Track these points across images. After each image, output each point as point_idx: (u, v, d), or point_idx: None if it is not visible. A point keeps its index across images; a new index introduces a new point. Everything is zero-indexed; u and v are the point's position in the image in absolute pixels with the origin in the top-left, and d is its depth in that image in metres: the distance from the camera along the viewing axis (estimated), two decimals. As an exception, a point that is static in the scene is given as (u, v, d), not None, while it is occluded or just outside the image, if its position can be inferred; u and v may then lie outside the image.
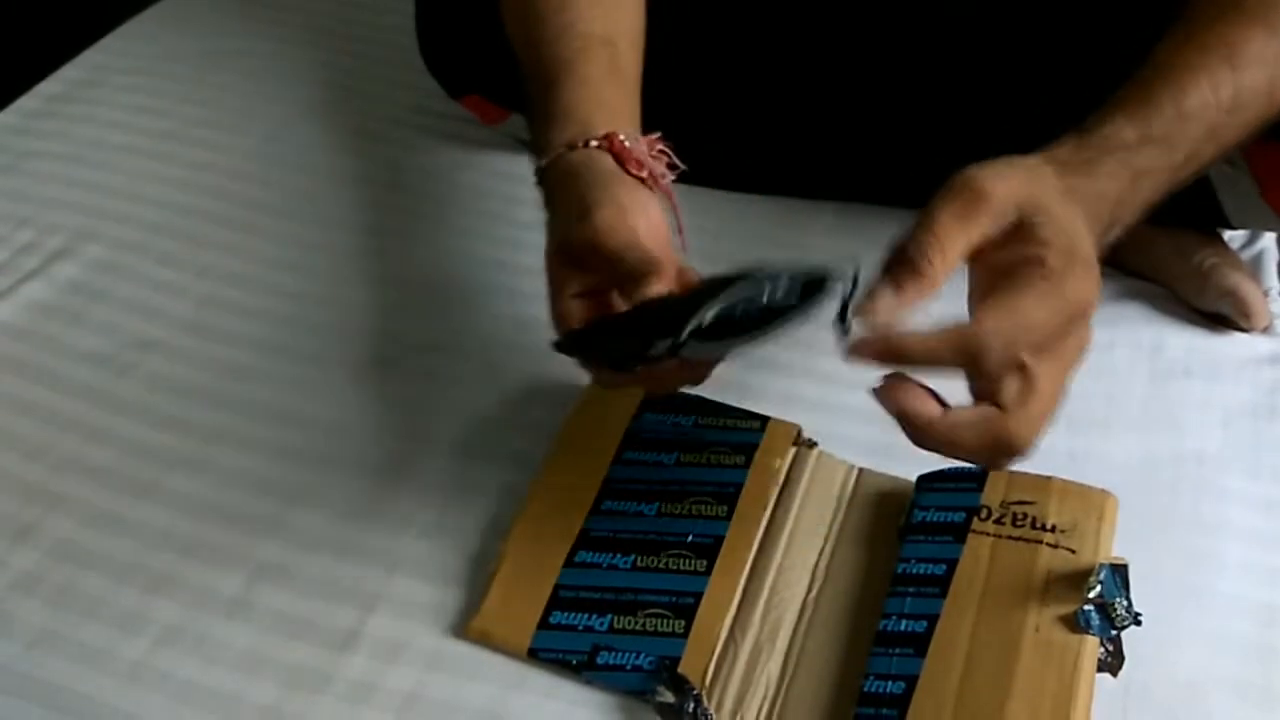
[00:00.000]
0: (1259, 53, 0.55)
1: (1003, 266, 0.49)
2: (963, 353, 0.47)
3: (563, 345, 0.58)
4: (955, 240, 0.48)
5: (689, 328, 0.49)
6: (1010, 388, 0.48)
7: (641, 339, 0.52)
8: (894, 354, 0.48)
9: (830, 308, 0.49)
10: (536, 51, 0.64)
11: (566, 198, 0.58)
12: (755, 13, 0.82)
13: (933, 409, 0.49)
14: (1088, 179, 0.52)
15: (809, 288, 0.50)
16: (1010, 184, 0.49)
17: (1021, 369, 0.48)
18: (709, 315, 0.49)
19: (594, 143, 0.59)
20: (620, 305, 0.58)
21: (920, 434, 0.49)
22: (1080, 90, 0.74)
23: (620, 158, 0.59)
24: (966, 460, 0.50)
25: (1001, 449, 0.49)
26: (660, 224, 0.57)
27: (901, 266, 0.48)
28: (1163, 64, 0.56)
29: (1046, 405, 0.49)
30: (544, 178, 0.60)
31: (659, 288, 0.54)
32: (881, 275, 0.49)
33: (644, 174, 0.59)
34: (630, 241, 0.55)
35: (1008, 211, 0.48)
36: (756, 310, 0.50)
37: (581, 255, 0.56)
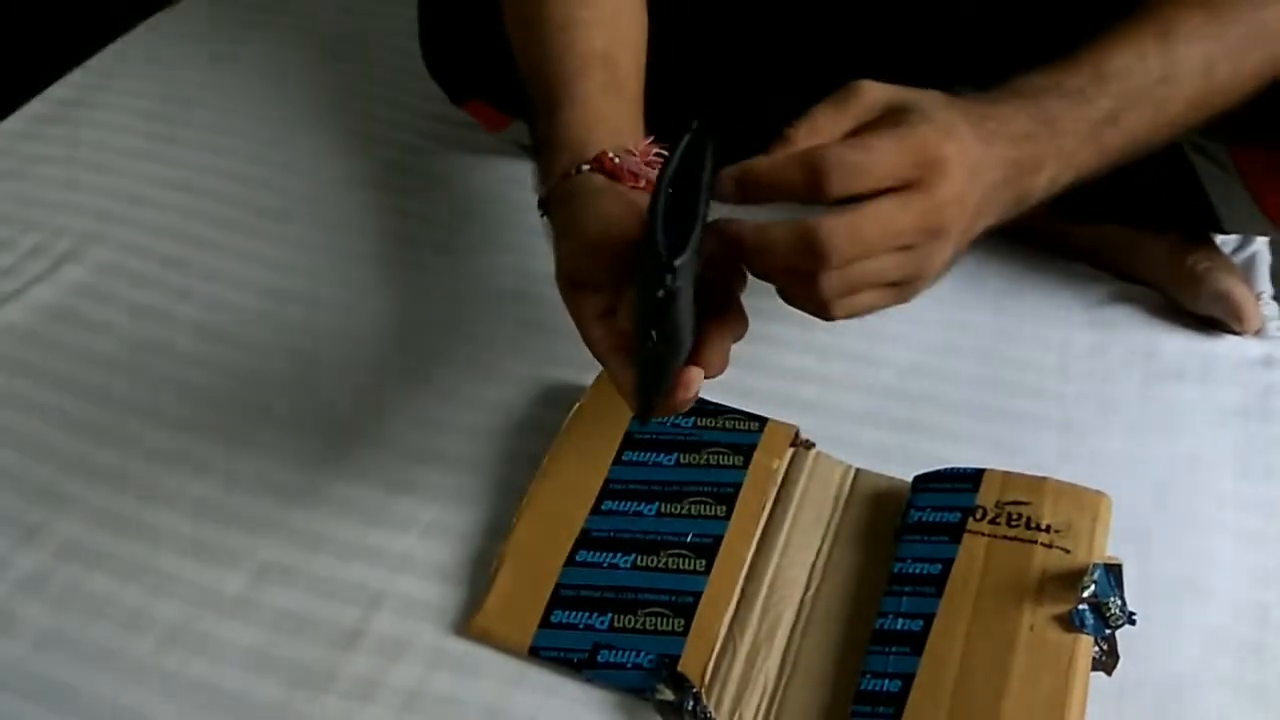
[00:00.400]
0: (1195, 30, 0.56)
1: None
2: (806, 170, 0.48)
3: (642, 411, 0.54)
4: (824, 119, 0.51)
5: (658, 240, 0.47)
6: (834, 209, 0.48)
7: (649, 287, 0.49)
8: (745, 178, 0.50)
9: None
10: (539, 75, 0.64)
11: (564, 224, 0.58)
12: (754, 14, 0.83)
13: (748, 225, 0.50)
14: (992, 109, 0.52)
15: (697, 145, 0.51)
16: (887, 89, 0.51)
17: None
18: (659, 217, 0.48)
19: (585, 167, 0.59)
20: None
21: (736, 247, 0.50)
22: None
23: (614, 175, 0.59)
24: (777, 281, 0.51)
25: (809, 253, 0.48)
26: None
27: (777, 145, 0.51)
28: (1101, 37, 0.56)
29: (869, 229, 0.48)
30: (546, 209, 0.60)
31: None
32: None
33: (640, 184, 0.60)
34: (617, 252, 0.55)
35: (878, 103, 0.51)
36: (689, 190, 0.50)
37: (582, 277, 0.56)
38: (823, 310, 0.51)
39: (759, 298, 0.62)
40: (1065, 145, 0.54)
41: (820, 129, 0.51)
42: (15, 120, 1.01)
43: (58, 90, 1.05)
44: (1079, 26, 0.73)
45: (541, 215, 0.61)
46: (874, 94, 0.51)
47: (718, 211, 0.50)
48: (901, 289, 0.51)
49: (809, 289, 0.50)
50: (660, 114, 0.64)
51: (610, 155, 0.59)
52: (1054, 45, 0.74)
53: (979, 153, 0.50)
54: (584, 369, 0.59)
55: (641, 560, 0.64)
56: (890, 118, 0.50)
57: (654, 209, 0.48)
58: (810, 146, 0.49)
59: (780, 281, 0.51)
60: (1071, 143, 0.54)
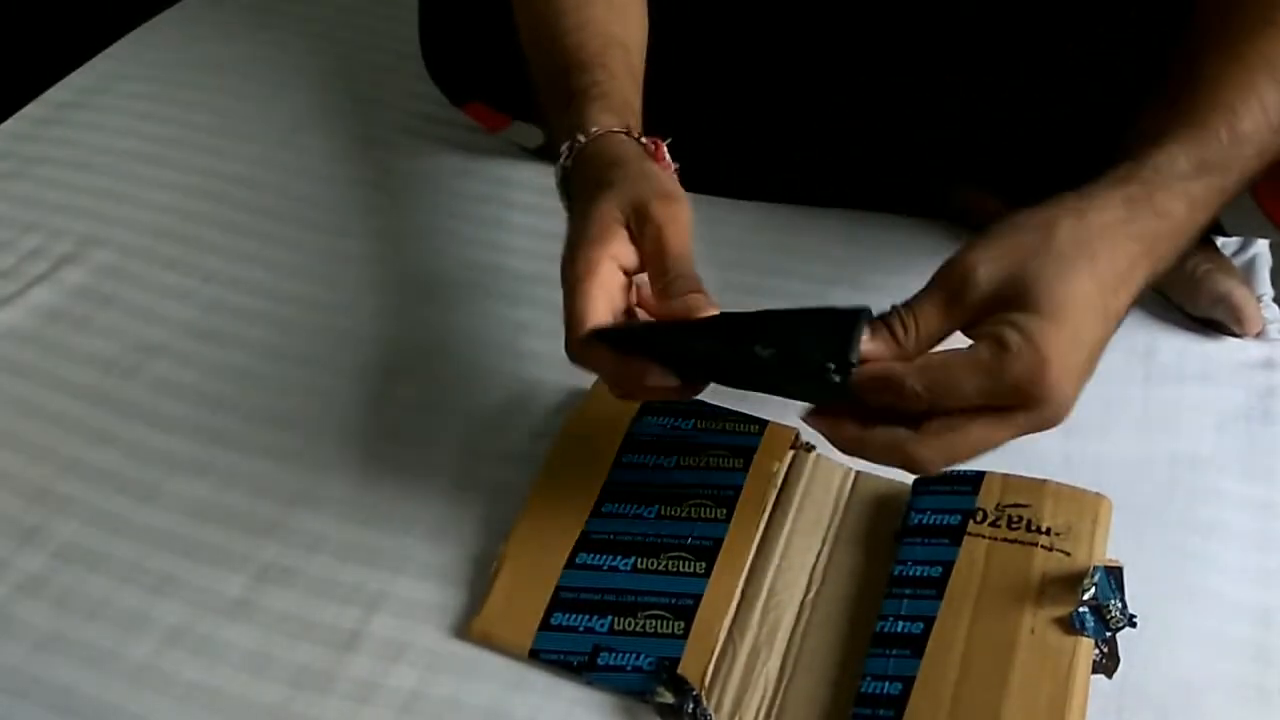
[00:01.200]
0: None
1: (974, 335, 0.50)
2: (882, 388, 0.49)
3: (607, 334, 0.55)
4: (934, 321, 0.50)
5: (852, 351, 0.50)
6: (936, 421, 0.50)
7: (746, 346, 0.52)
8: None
9: None
10: (559, 42, 0.64)
11: (636, 172, 0.56)
12: (755, 21, 0.83)
13: (847, 426, 0.52)
14: (1131, 220, 0.51)
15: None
16: (997, 262, 0.49)
17: (960, 412, 0.49)
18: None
19: (643, 140, 0.59)
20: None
21: (838, 441, 0.53)
22: (1088, 100, 0.75)
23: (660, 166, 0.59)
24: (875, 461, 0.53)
25: (905, 465, 0.51)
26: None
27: (883, 324, 0.51)
28: (1211, 85, 0.54)
29: (962, 448, 0.50)
30: (587, 149, 0.59)
31: (701, 303, 0.53)
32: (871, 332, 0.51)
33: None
34: (687, 247, 0.54)
35: (992, 291, 0.49)
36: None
37: (645, 229, 0.54)
38: (904, 465, 0.52)
39: (761, 297, 0.62)
40: (1202, 224, 0.53)
41: (928, 327, 0.51)
42: (15, 122, 1.01)
43: (58, 92, 1.05)
44: (1084, 29, 0.74)
45: (566, 157, 0.60)
46: (984, 282, 0.49)
47: None
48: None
49: (893, 442, 0.51)
50: (657, 119, 0.64)
51: (664, 147, 0.60)
52: (1057, 45, 0.75)
53: (1099, 328, 0.50)
54: (584, 372, 0.59)
55: (641, 563, 0.64)
56: (1004, 312, 0.49)
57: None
58: (890, 368, 0.49)
59: (869, 435, 0.52)
60: (1206, 220, 0.54)
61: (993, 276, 0.49)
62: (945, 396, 0.49)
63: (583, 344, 0.54)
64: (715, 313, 0.55)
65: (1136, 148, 0.54)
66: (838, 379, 0.50)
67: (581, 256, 0.55)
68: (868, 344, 0.50)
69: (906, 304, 0.51)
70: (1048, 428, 0.50)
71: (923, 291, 0.51)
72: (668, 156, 0.61)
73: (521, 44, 0.68)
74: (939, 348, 0.51)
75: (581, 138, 0.59)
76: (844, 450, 0.53)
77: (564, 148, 0.60)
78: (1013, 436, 0.50)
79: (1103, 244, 0.50)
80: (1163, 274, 0.53)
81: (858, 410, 0.52)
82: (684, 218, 0.56)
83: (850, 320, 0.51)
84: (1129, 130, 0.56)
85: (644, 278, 0.58)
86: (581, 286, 0.54)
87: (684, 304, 0.54)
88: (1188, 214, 0.52)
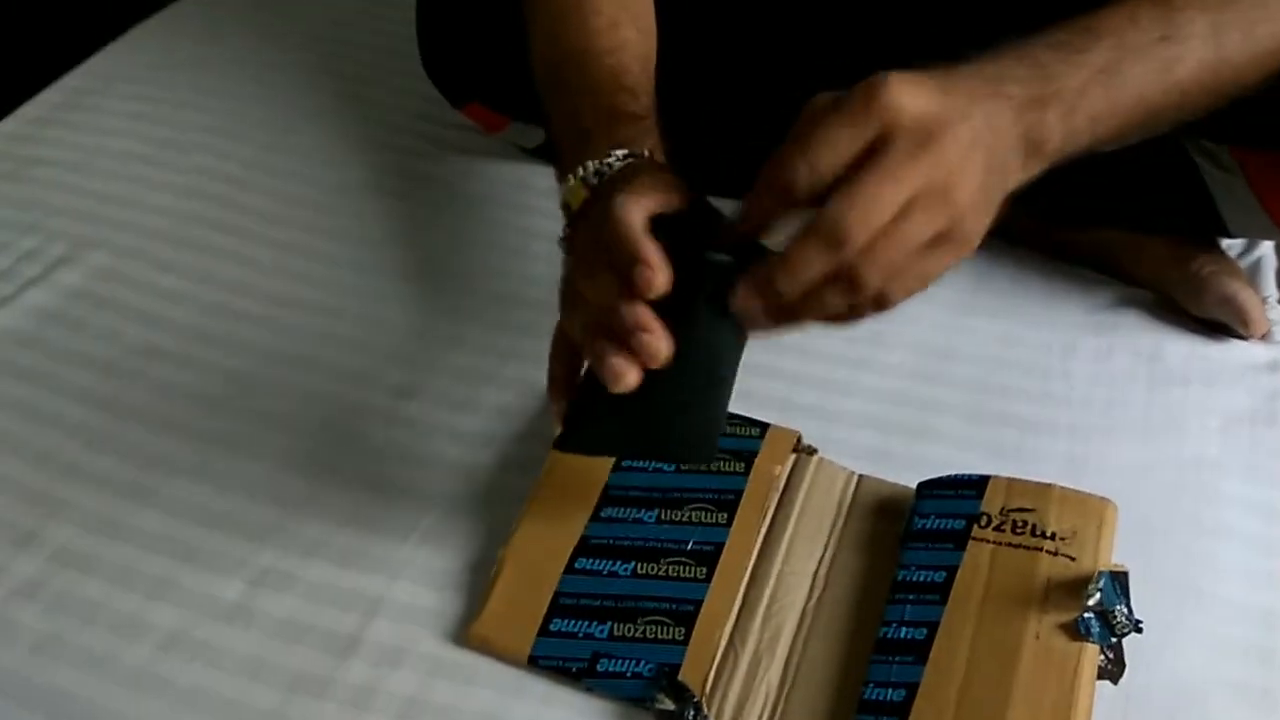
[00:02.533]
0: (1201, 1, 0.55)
1: None
2: (773, 182, 0.50)
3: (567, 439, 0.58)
4: (821, 137, 0.49)
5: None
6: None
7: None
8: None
9: None
10: (599, 60, 0.64)
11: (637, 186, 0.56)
12: (756, 20, 0.83)
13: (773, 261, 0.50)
14: (968, 69, 0.51)
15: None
16: (874, 83, 0.49)
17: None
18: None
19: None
20: None
21: (771, 292, 0.51)
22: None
23: None
24: (825, 306, 0.51)
25: (833, 243, 0.48)
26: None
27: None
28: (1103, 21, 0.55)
29: (871, 189, 0.48)
30: (642, 166, 0.59)
31: (653, 279, 0.51)
32: None
33: None
34: (632, 224, 0.53)
35: (867, 102, 0.49)
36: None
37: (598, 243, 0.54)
38: (882, 301, 0.50)
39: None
40: (1065, 85, 0.52)
41: (811, 126, 0.51)
42: (11, 122, 1.01)
43: (54, 93, 1.04)
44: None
45: (576, 178, 0.59)
46: (856, 92, 0.49)
47: None
48: (952, 243, 0.49)
49: (856, 289, 0.49)
50: (660, 110, 0.64)
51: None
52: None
53: (962, 102, 0.49)
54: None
55: (641, 568, 0.63)
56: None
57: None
58: (772, 165, 0.50)
59: (829, 304, 0.50)
60: (1071, 83, 0.52)
61: (867, 90, 0.48)
62: (824, 155, 0.48)
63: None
64: None
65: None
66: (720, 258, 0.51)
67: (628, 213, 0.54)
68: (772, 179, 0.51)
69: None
70: (954, 176, 0.48)
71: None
72: None
73: (538, 51, 0.67)
74: None
75: (645, 152, 0.59)
76: (780, 276, 0.50)
77: (616, 155, 0.59)
78: (916, 173, 0.48)
79: (938, 78, 0.50)
80: (1046, 128, 0.52)
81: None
82: (635, 203, 0.56)
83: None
84: None
85: None
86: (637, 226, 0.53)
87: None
88: (1034, 75, 0.52)
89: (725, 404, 0.59)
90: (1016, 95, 0.52)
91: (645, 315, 0.52)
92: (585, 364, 0.58)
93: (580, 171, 0.60)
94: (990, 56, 0.53)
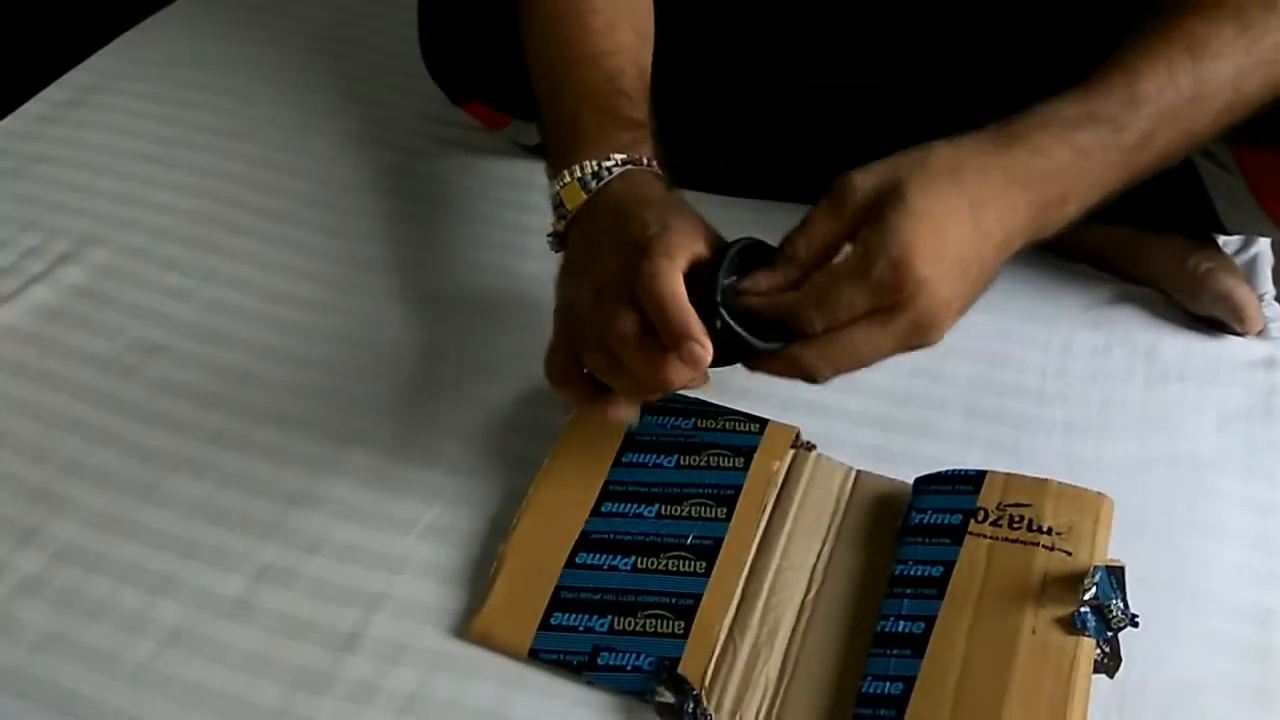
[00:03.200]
0: (1226, 46, 0.55)
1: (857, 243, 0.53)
2: (780, 310, 0.54)
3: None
4: (818, 229, 0.54)
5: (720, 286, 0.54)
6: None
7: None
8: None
9: None
10: (597, 62, 0.64)
11: (690, 222, 0.58)
12: (757, 20, 0.83)
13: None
14: (1005, 152, 0.53)
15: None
16: (873, 176, 0.53)
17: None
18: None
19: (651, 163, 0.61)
20: None
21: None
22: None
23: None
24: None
25: (797, 373, 0.55)
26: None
27: (780, 252, 0.55)
28: (1121, 53, 0.56)
29: (846, 352, 0.53)
30: (638, 174, 0.60)
31: (704, 357, 0.54)
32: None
33: None
34: (678, 295, 0.54)
35: (867, 199, 0.52)
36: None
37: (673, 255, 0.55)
38: (805, 376, 0.56)
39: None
40: (1095, 175, 0.54)
41: (816, 237, 0.54)
42: (14, 120, 1.01)
43: (57, 90, 1.04)
44: (1091, 39, 0.74)
45: (573, 178, 0.60)
46: (861, 189, 0.53)
47: None
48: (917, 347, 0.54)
49: (796, 357, 0.55)
50: (661, 109, 0.64)
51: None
52: (1058, 49, 0.74)
53: (968, 238, 0.52)
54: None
55: (642, 562, 0.64)
56: (876, 214, 0.52)
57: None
58: (786, 296, 0.54)
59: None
60: (1102, 171, 0.54)
61: (869, 184, 0.52)
62: (833, 309, 0.52)
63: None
64: None
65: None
66: (718, 324, 0.54)
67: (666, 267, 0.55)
68: (768, 276, 0.55)
69: (800, 224, 0.55)
70: (927, 336, 0.53)
71: (813, 207, 0.55)
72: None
73: (534, 50, 0.68)
74: None
75: (644, 159, 0.61)
76: (751, 369, 0.56)
77: (616, 159, 0.60)
78: (896, 343, 0.53)
79: (973, 167, 0.53)
80: (1058, 222, 0.55)
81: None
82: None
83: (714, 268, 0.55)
84: None
85: None
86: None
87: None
88: (1072, 159, 0.54)
89: None
90: (1045, 196, 0.54)
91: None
92: None
93: (577, 172, 0.60)
94: (1029, 130, 0.54)
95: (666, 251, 0.54)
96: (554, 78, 0.66)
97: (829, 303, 0.52)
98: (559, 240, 0.63)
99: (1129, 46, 0.56)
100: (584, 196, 0.60)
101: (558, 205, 0.62)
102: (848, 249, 0.53)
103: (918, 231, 0.50)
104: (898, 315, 0.52)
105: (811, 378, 0.55)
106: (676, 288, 0.53)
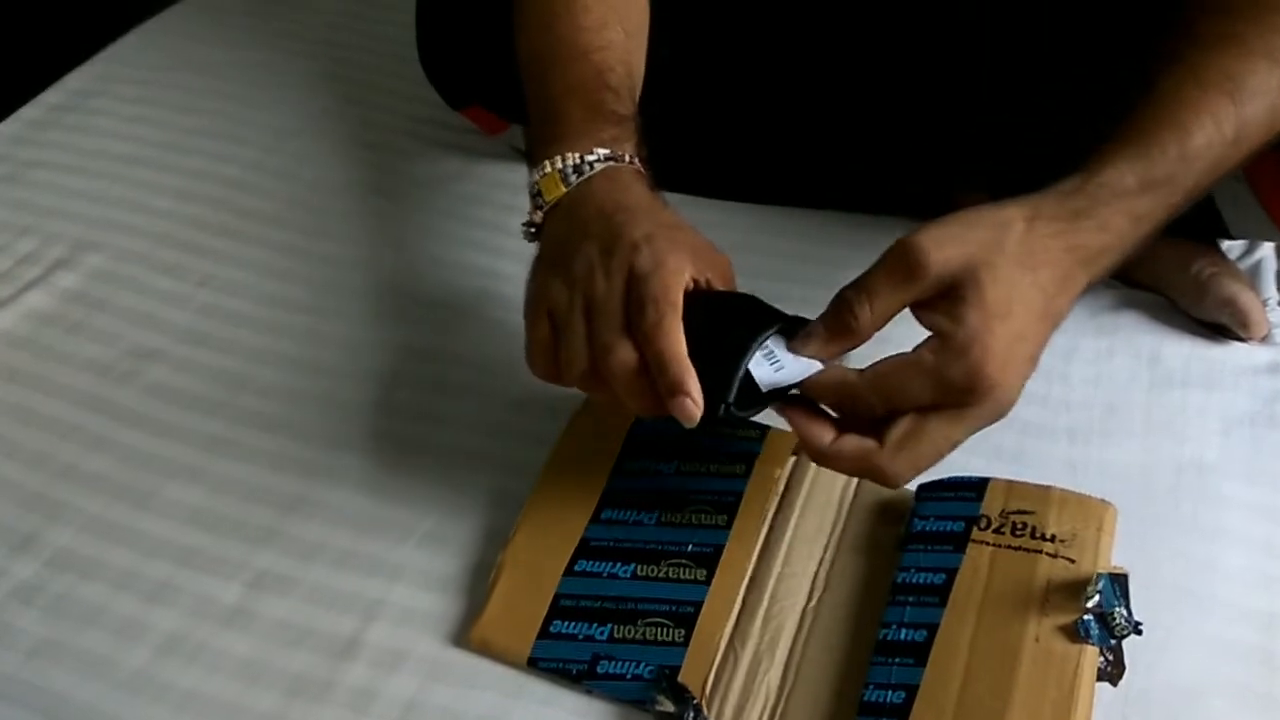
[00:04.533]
0: (1261, 84, 0.55)
1: (928, 323, 0.53)
2: (842, 402, 0.54)
3: None
4: (884, 303, 0.53)
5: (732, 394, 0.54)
6: (895, 431, 0.53)
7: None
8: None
9: None
10: (586, 56, 0.64)
11: (685, 236, 0.58)
12: (755, 25, 0.83)
13: (820, 435, 0.55)
14: (1073, 233, 0.53)
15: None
16: (949, 252, 0.51)
17: (914, 416, 0.52)
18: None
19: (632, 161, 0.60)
20: None
21: (809, 452, 0.56)
22: (1088, 106, 0.75)
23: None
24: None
25: (875, 479, 0.55)
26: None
27: (834, 315, 0.54)
28: (1165, 101, 0.56)
29: (925, 455, 0.53)
30: (623, 172, 0.60)
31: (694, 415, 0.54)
32: (820, 319, 0.55)
33: None
34: (678, 347, 0.53)
35: (942, 280, 0.51)
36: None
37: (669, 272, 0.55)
38: (879, 480, 0.55)
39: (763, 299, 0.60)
40: (1145, 236, 0.55)
41: (881, 308, 0.53)
42: (10, 124, 1.01)
43: (53, 95, 1.04)
44: (1084, 36, 0.74)
45: (554, 169, 0.60)
46: (936, 266, 0.51)
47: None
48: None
49: (865, 459, 0.54)
50: (657, 122, 0.64)
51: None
52: (1057, 51, 0.74)
53: (1040, 332, 0.53)
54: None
55: (641, 570, 0.63)
56: (953, 305, 0.51)
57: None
58: (846, 380, 0.53)
59: (838, 453, 0.55)
60: (1149, 232, 0.55)
61: (948, 263, 0.51)
62: (899, 401, 0.52)
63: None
64: None
65: (1090, 158, 0.55)
66: (735, 412, 0.54)
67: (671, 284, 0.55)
68: (822, 344, 0.54)
69: (859, 284, 0.53)
70: (996, 420, 0.53)
71: (876, 270, 0.53)
72: None
73: (524, 47, 0.68)
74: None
75: (626, 156, 0.60)
76: (815, 461, 0.56)
77: (598, 154, 0.60)
78: (969, 433, 0.53)
79: (1047, 254, 0.53)
80: (1102, 277, 0.56)
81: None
82: (730, 270, 0.60)
83: (736, 355, 0.55)
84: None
85: None
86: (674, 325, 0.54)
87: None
88: (1131, 228, 0.54)
89: None
90: (1101, 267, 0.55)
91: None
92: None
93: (558, 163, 0.60)
94: (1092, 204, 0.53)
95: (669, 299, 0.54)
96: (541, 71, 0.65)
97: (897, 395, 0.52)
98: (535, 231, 0.63)
99: (1169, 93, 0.56)
100: (563, 189, 0.60)
101: (535, 195, 0.62)
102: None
103: (995, 333, 0.50)
104: (969, 411, 0.52)
105: (886, 481, 0.54)
106: (678, 347, 0.53)
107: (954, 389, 0.51)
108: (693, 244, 0.58)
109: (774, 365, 0.55)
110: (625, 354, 0.54)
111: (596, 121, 0.61)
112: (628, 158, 0.60)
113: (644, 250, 0.55)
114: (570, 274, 0.57)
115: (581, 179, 0.59)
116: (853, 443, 0.54)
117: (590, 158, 0.60)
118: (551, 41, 0.66)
